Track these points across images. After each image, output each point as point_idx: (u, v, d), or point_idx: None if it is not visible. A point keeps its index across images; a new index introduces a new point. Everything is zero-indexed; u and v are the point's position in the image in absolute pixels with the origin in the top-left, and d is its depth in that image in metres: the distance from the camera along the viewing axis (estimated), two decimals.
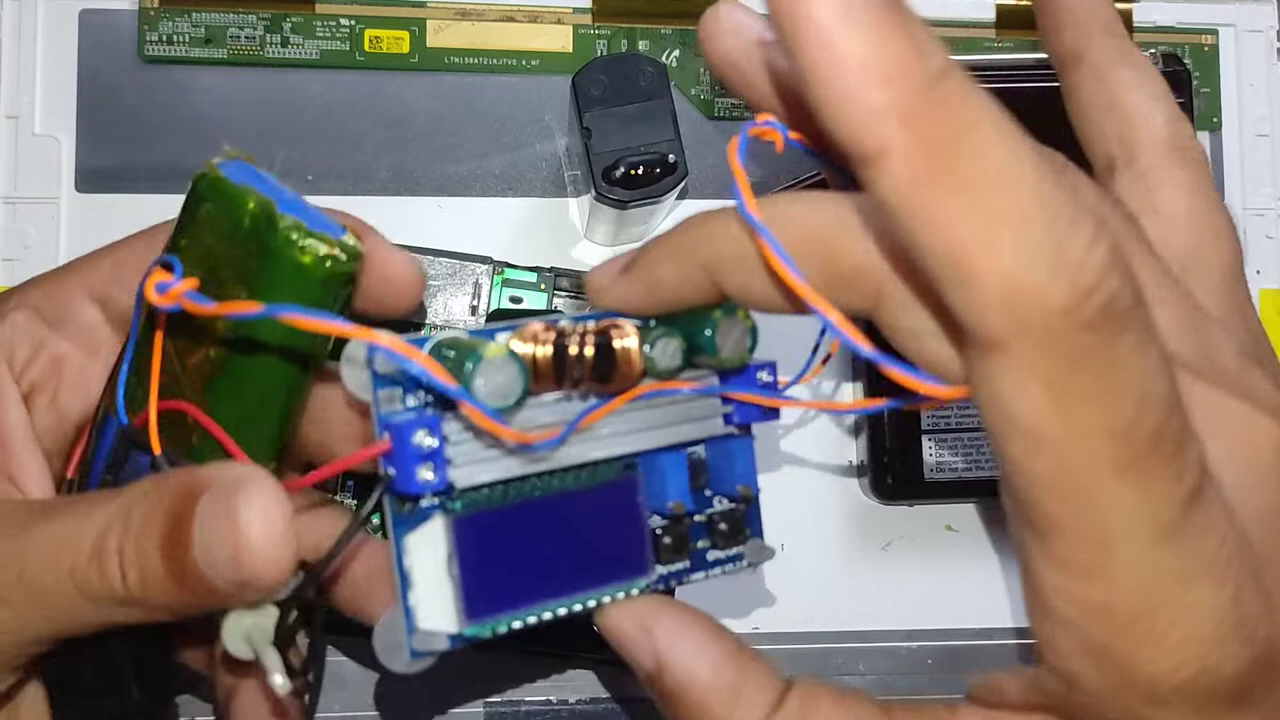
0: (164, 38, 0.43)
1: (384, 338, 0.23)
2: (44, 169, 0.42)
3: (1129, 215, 0.25)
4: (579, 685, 0.42)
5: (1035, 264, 0.18)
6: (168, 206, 0.43)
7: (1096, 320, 0.19)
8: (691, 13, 0.45)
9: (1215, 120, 0.46)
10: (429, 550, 0.25)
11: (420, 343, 0.25)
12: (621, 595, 0.28)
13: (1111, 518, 0.20)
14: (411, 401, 0.25)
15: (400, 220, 0.43)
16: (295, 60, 0.44)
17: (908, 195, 0.19)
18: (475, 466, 0.25)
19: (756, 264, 0.23)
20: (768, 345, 0.29)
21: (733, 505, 0.30)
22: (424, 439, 0.24)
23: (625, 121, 0.38)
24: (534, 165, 0.44)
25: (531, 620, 0.26)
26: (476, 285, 0.40)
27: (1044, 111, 0.42)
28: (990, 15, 0.46)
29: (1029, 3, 0.46)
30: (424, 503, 0.25)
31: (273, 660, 0.25)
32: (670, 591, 0.29)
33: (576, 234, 0.44)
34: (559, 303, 0.42)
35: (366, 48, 0.44)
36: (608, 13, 0.45)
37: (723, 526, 0.30)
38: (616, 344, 0.26)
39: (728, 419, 0.29)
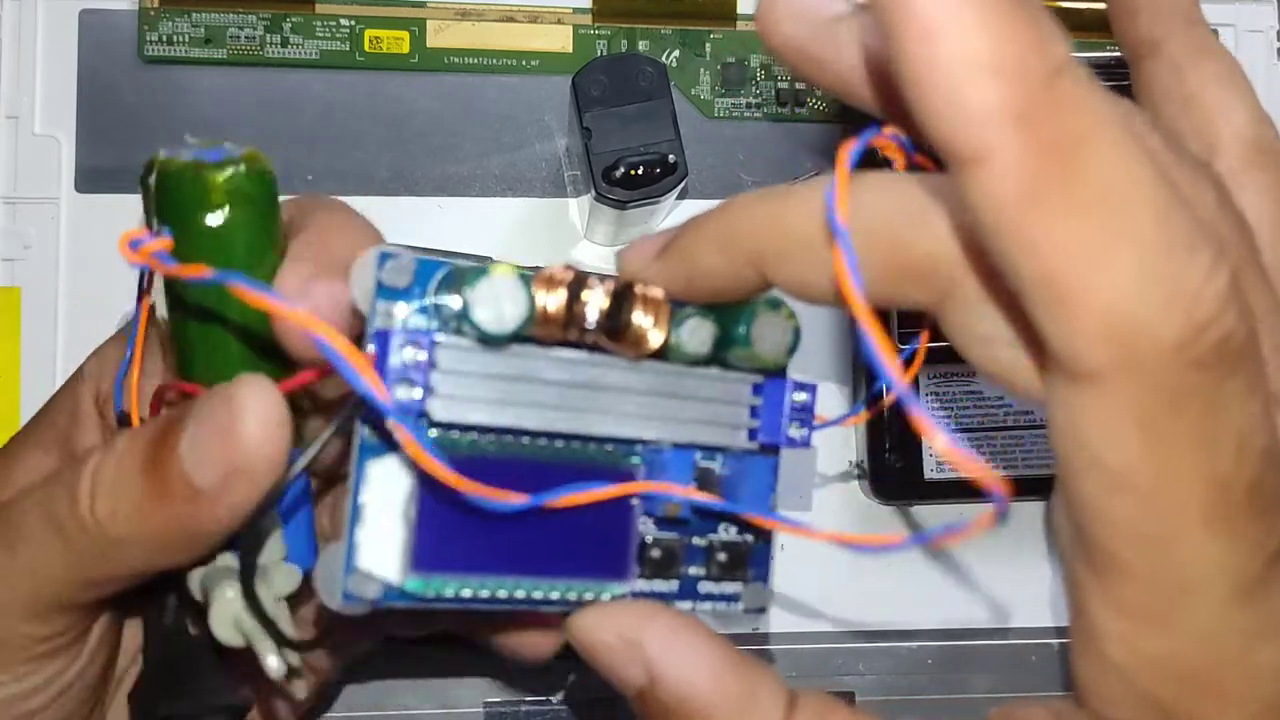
0: (164, 38, 0.43)
1: (320, 326, 0.22)
2: (44, 169, 0.42)
3: (1242, 223, 0.22)
4: (579, 685, 0.42)
5: (1149, 295, 0.17)
6: None
7: (1209, 359, 0.17)
8: (691, 13, 0.45)
9: None
10: (391, 485, 0.23)
11: (435, 266, 0.24)
12: (590, 596, 0.25)
13: (1192, 570, 0.19)
14: (419, 321, 0.23)
15: (400, 220, 0.43)
16: (295, 60, 0.44)
17: (1009, 210, 0.17)
18: (461, 403, 0.23)
19: (816, 261, 0.21)
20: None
21: (740, 537, 0.27)
22: (409, 354, 0.23)
23: (625, 121, 0.38)
24: (534, 165, 0.44)
25: (483, 593, 0.24)
26: None
27: None
28: None
29: None
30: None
31: (263, 643, 0.24)
32: None
33: (576, 234, 0.44)
34: None
35: (366, 48, 0.44)
36: (608, 13, 0.45)
37: (722, 557, 0.27)
38: (639, 291, 0.24)
39: (753, 434, 0.27)
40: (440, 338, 0.24)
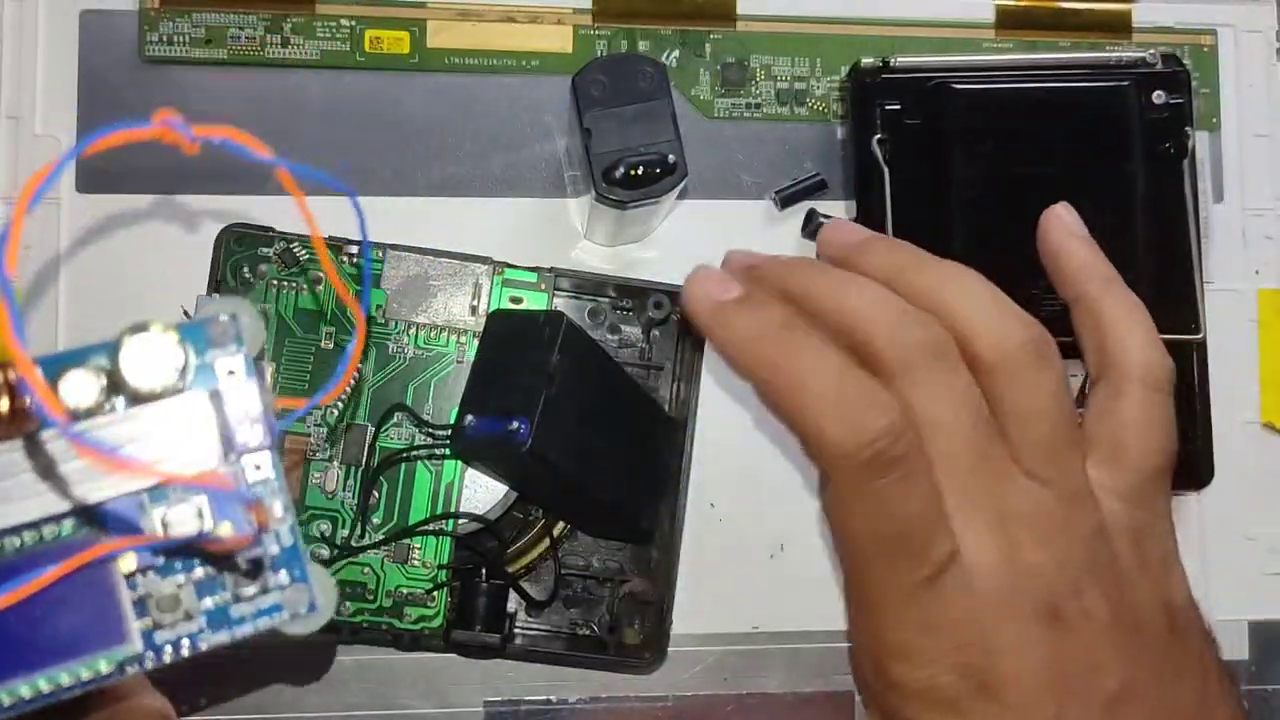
0: (164, 38, 0.43)
1: None
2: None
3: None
4: (579, 685, 0.42)
5: (837, 427, 0.30)
6: (168, 207, 0.43)
7: (872, 462, 0.29)
8: (691, 13, 0.45)
9: (1215, 120, 0.46)
10: None
11: None
12: (104, 667, 0.25)
13: (876, 583, 0.31)
14: None
15: (400, 220, 0.43)
16: (295, 60, 0.44)
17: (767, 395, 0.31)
18: None
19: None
20: None
21: (251, 551, 0.26)
22: None
23: (625, 122, 0.38)
24: (534, 165, 0.44)
25: None
26: (476, 285, 0.41)
27: (1045, 111, 0.42)
28: (990, 15, 0.46)
29: (1029, 3, 0.46)
30: None
31: None
32: (162, 660, 0.26)
33: (576, 234, 0.44)
34: (559, 302, 0.42)
35: (366, 48, 0.44)
36: (608, 13, 0.45)
37: (237, 578, 0.26)
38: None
39: (232, 447, 0.26)
40: None
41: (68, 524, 0.25)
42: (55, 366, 0.25)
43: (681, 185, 0.38)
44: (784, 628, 0.43)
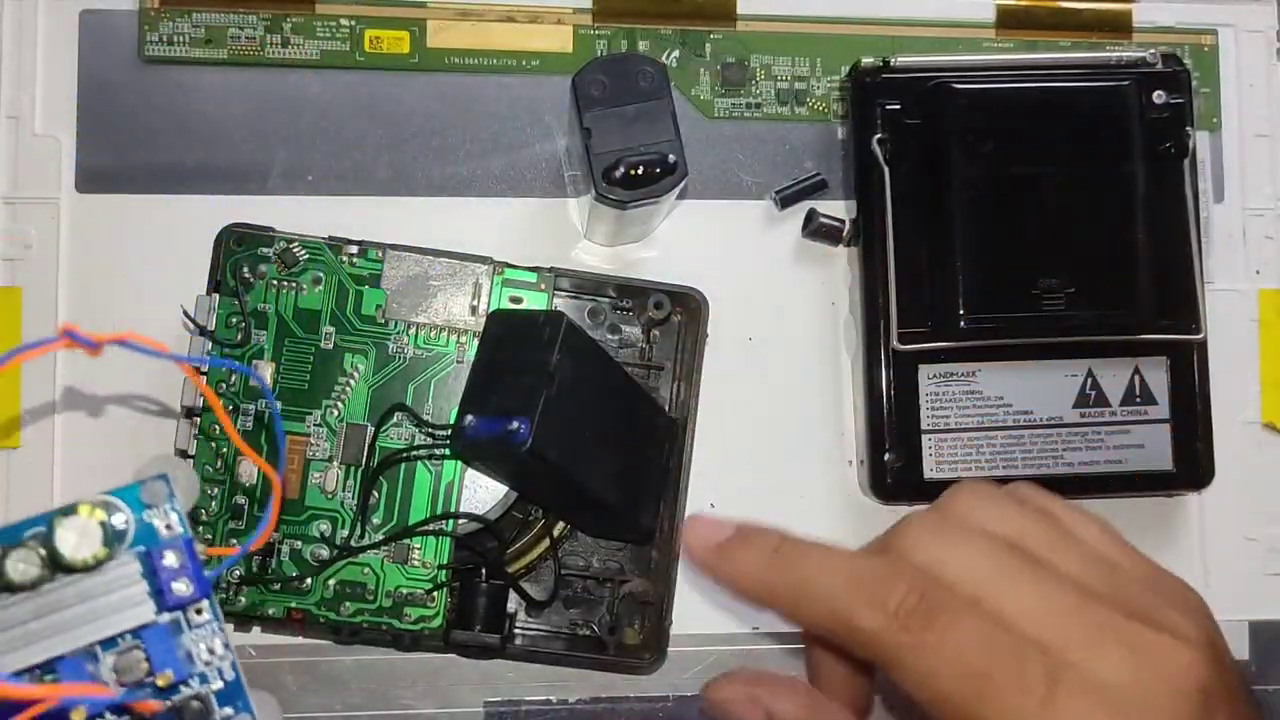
0: (164, 38, 0.43)
1: None
2: (44, 169, 0.42)
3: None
4: (579, 685, 0.42)
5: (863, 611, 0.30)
6: (168, 207, 0.43)
7: (905, 623, 0.29)
8: (691, 13, 0.45)
9: (1215, 120, 0.46)
10: None
11: None
12: None
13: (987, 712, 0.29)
14: None
15: (400, 220, 0.43)
16: (295, 60, 0.44)
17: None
18: None
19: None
20: None
21: (198, 688, 0.30)
22: None
23: (625, 121, 0.38)
24: (534, 165, 0.44)
25: None
26: (476, 285, 0.40)
27: (1045, 111, 0.42)
28: (990, 15, 0.46)
29: (1029, 3, 0.46)
30: None
31: None
32: None
33: (576, 234, 0.44)
34: (559, 302, 0.42)
35: (366, 48, 0.44)
36: (608, 13, 0.45)
37: (185, 716, 0.30)
38: None
39: (164, 600, 0.30)
40: None
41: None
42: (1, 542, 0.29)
43: (681, 185, 0.38)
44: (784, 628, 0.43)
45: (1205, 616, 0.30)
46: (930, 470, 0.42)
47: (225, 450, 0.39)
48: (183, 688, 0.30)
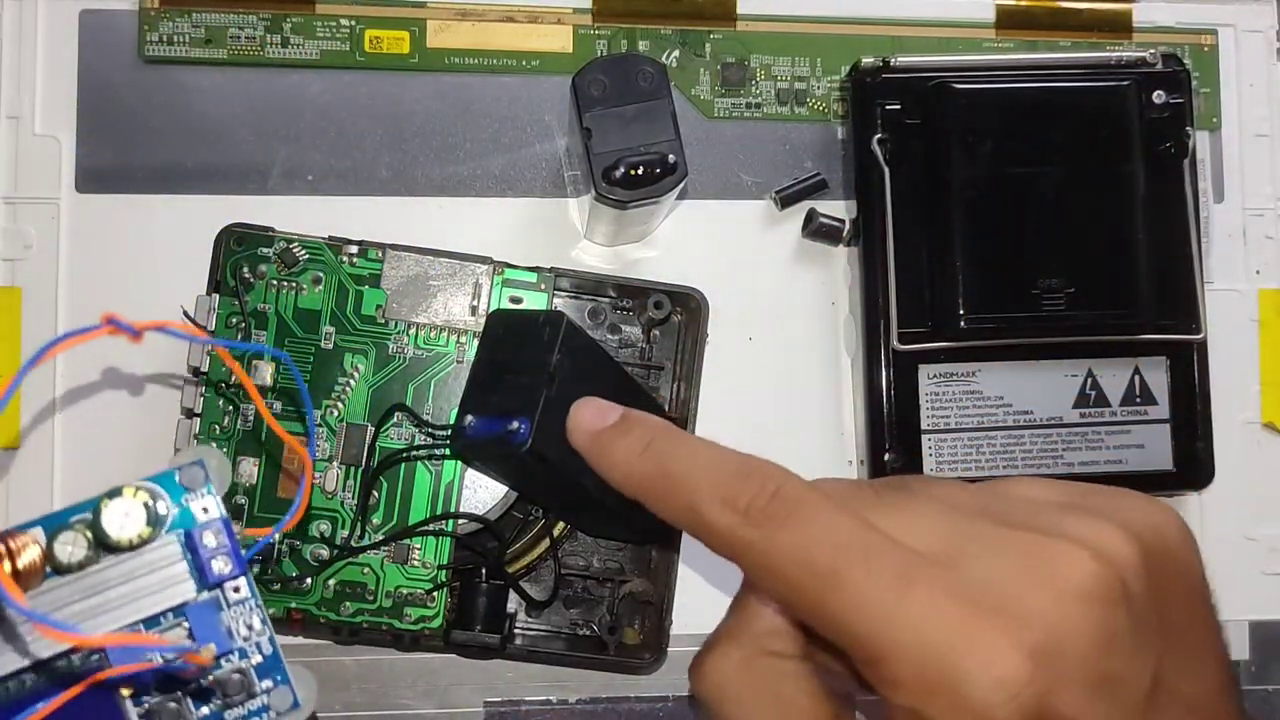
0: (164, 38, 0.43)
1: None
2: (44, 169, 0.42)
3: None
4: (579, 685, 0.42)
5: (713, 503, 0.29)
6: (168, 206, 0.43)
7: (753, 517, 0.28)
8: (691, 13, 0.45)
9: (1215, 120, 0.46)
10: None
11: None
12: None
13: (845, 589, 0.26)
14: None
15: (400, 220, 0.43)
16: (295, 60, 0.44)
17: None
18: None
19: None
20: None
21: (238, 663, 0.32)
22: None
23: (625, 121, 0.38)
24: (534, 165, 0.44)
25: None
26: (476, 285, 0.40)
27: (1045, 111, 0.42)
28: (990, 15, 0.46)
29: (1029, 3, 0.46)
30: None
31: None
32: None
33: (576, 234, 0.44)
34: (559, 302, 0.42)
35: (366, 48, 0.44)
36: (608, 13, 0.45)
37: (228, 688, 0.31)
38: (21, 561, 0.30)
39: (204, 579, 0.31)
40: None
41: (75, 658, 0.30)
42: (48, 529, 0.30)
43: (681, 185, 0.38)
44: None
45: (1147, 529, 0.27)
46: (930, 470, 0.42)
47: (225, 450, 0.39)
48: (224, 662, 0.32)
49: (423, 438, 0.40)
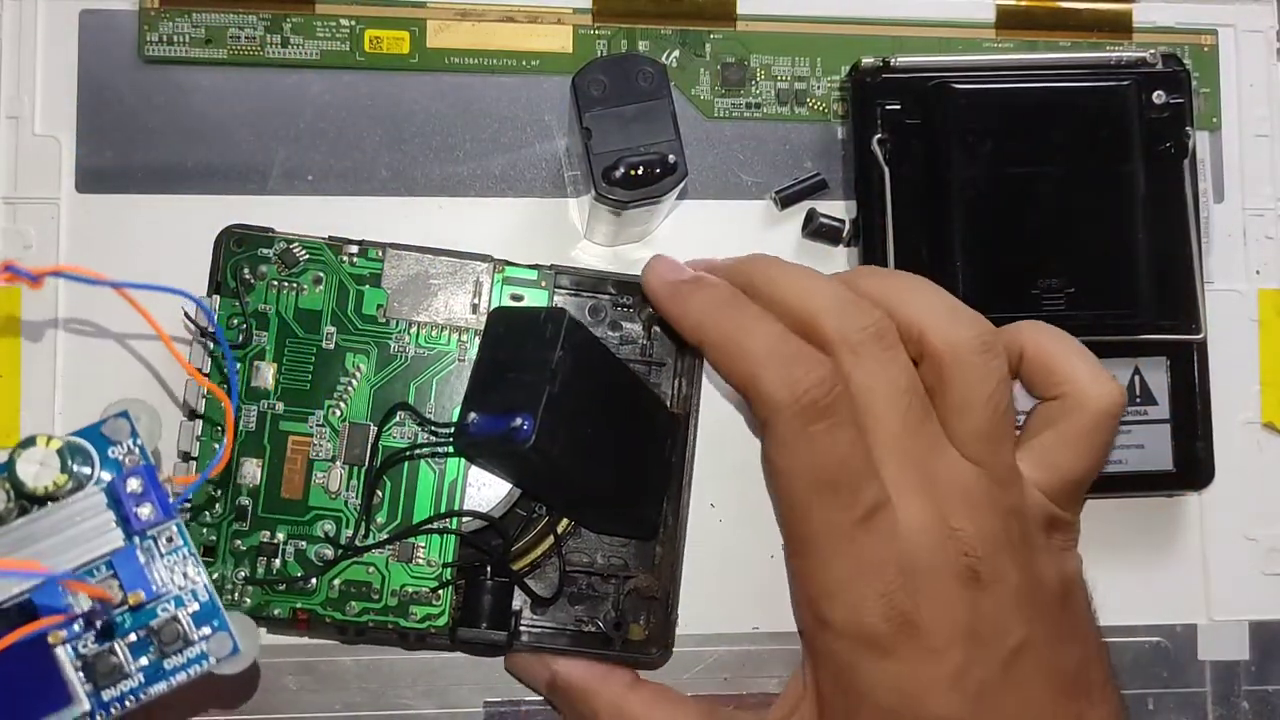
0: (164, 38, 0.43)
1: None
2: (44, 169, 0.42)
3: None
4: None
5: (774, 383, 0.34)
6: (168, 207, 0.43)
7: (806, 410, 0.34)
8: (691, 13, 0.45)
9: (1215, 120, 0.46)
10: None
11: None
12: None
13: (810, 522, 0.35)
14: None
15: (400, 220, 0.43)
16: (295, 60, 0.44)
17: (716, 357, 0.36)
18: None
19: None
20: None
21: (173, 610, 0.32)
22: None
23: (625, 121, 0.38)
24: (534, 165, 0.44)
25: None
26: (477, 284, 0.40)
27: (1045, 111, 0.42)
28: (990, 15, 0.46)
29: (1029, 3, 0.46)
30: None
31: None
32: (110, 715, 0.32)
33: (576, 234, 0.44)
34: (559, 299, 0.42)
35: (366, 48, 0.44)
36: (608, 13, 0.45)
37: (165, 635, 0.32)
38: None
39: (129, 526, 0.32)
40: None
41: None
42: None
43: (681, 185, 0.38)
44: (784, 628, 0.43)
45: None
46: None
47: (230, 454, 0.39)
48: (160, 611, 0.32)
49: (425, 436, 0.40)
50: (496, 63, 0.44)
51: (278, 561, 0.39)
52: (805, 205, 0.44)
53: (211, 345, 0.39)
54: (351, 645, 0.42)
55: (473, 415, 0.37)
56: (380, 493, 0.39)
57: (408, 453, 0.39)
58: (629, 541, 0.42)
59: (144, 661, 0.32)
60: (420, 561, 0.39)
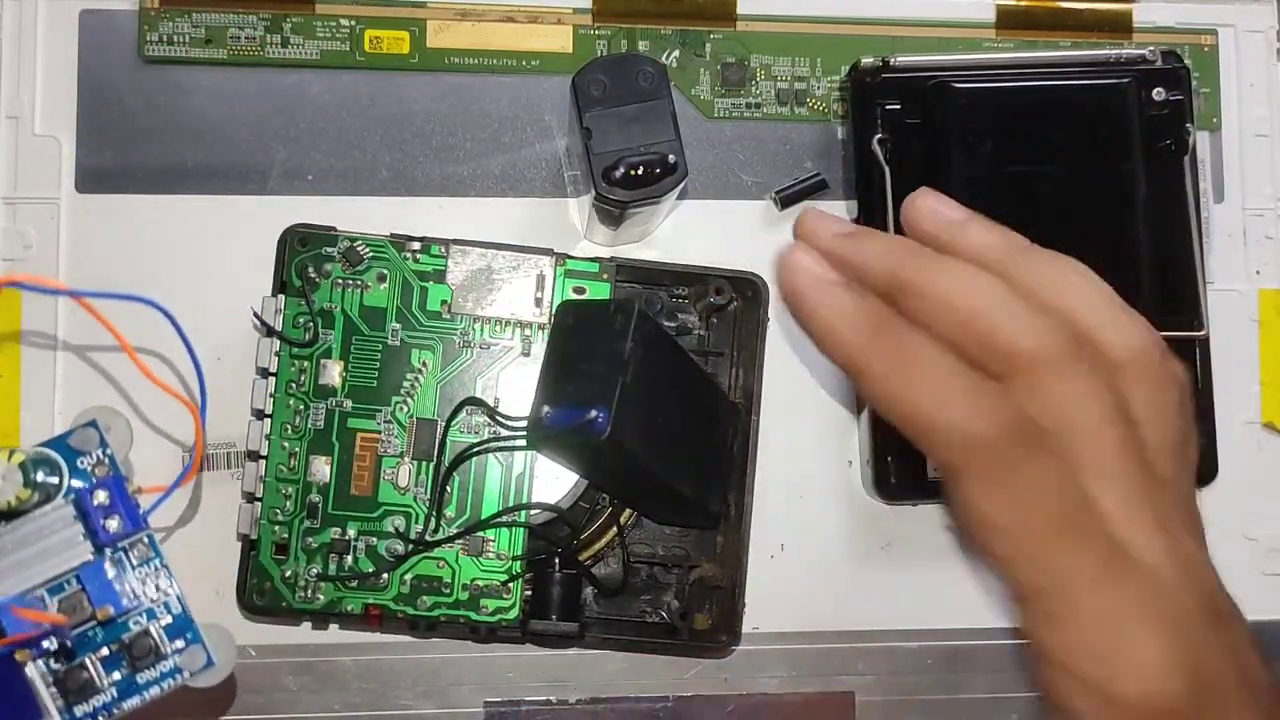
0: (164, 38, 0.43)
1: None
2: (44, 169, 0.42)
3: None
4: (579, 685, 0.42)
5: (967, 416, 0.28)
6: (168, 207, 0.43)
7: (1016, 443, 0.28)
8: (691, 13, 0.45)
9: (1215, 120, 0.46)
10: None
11: None
12: None
13: (1056, 572, 0.28)
14: None
15: (400, 220, 0.43)
16: (295, 60, 0.44)
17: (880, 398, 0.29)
18: None
19: None
20: None
21: (144, 624, 0.32)
22: None
23: (625, 121, 0.38)
24: (534, 165, 0.44)
25: None
26: (540, 277, 0.40)
27: (1045, 110, 0.42)
28: (990, 15, 0.46)
29: (1029, 3, 0.46)
30: None
31: None
32: None
33: (576, 234, 0.44)
34: (618, 291, 0.42)
35: (366, 48, 0.44)
36: (608, 13, 0.45)
37: (137, 650, 0.31)
38: None
39: (97, 539, 0.31)
40: None
41: None
42: None
43: (681, 185, 0.38)
44: (784, 628, 0.43)
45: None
46: (933, 470, 0.42)
47: (298, 450, 0.39)
48: (132, 625, 0.32)
49: (493, 430, 0.40)
50: (496, 63, 0.44)
51: (349, 558, 0.39)
52: (805, 205, 0.44)
53: (277, 345, 0.39)
54: (423, 639, 0.42)
55: (546, 408, 0.37)
56: (449, 487, 0.39)
57: (478, 447, 0.39)
58: (689, 531, 0.42)
59: (116, 676, 0.32)
60: (490, 555, 0.39)
